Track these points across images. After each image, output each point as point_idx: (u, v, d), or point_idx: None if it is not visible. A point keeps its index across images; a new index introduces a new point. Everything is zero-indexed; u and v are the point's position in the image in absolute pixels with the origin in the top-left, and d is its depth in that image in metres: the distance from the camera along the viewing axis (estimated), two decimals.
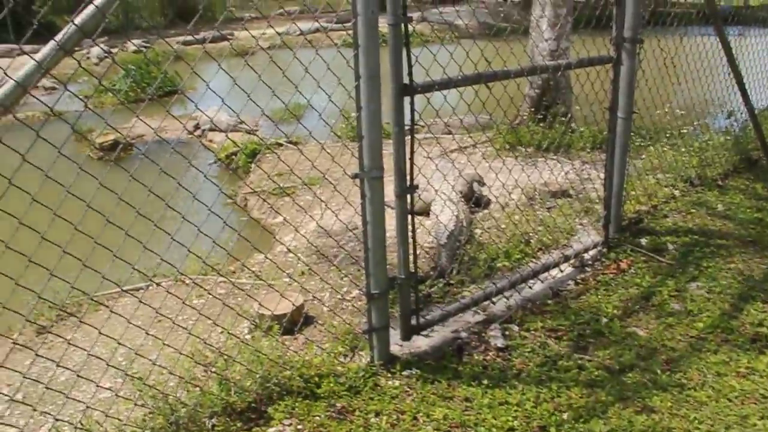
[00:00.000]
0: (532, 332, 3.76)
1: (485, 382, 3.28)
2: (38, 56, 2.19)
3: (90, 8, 2.26)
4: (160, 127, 8.39)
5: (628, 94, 4.59)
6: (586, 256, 4.58)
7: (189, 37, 16.24)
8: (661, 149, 6.70)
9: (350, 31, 2.96)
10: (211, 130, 10.31)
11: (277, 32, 3.23)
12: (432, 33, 3.89)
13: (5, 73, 2.16)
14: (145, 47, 16.23)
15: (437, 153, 6.74)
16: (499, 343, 3.64)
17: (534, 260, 4.62)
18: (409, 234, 3.36)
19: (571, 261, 4.46)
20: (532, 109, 8.43)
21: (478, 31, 3.92)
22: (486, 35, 3.90)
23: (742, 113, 6.89)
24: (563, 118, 7.85)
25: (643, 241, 4.87)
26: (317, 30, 17.80)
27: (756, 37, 7.82)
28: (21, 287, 2.41)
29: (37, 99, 2.28)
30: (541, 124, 7.95)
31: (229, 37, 17.33)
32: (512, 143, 7.58)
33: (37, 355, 2.77)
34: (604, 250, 4.71)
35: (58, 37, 2.20)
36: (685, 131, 7.31)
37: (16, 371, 2.95)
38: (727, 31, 5.95)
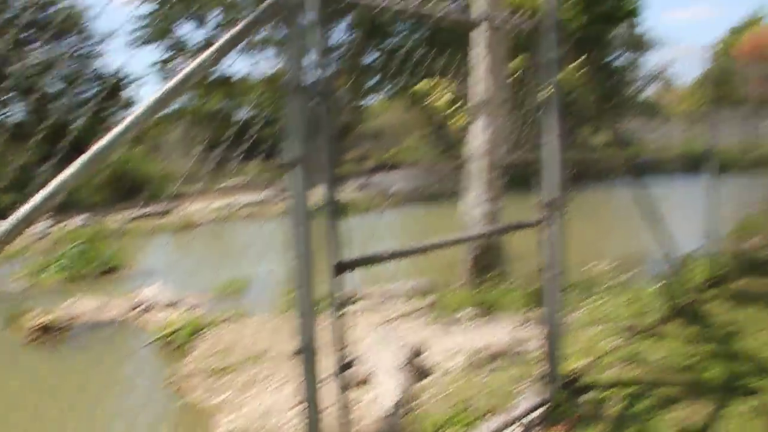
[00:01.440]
0: None
1: None
2: None
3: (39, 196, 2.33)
4: (100, 307, 8.27)
5: (556, 253, 4.76)
6: (531, 416, 4.56)
7: (133, 212, 16.40)
8: (597, 301, 6.89)
9: None
10: (152, 308, 10.18)
11: (219, 207, 3.34)
12: (369, 201, 4.08)
13: None
14: (88, 224, 16.28)
15: (378, 321, 6.78)
16: None
17: (476, 429, 4.57)
18: (349, 409, 3.34)
19: (515, 425, 4.44)
20: (471, 271, 8.62)
21: (414, 195, 4.15)
22: (421, 198, 4.11)
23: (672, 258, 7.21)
24: (501, 278, 8.05)
25: (586, 397, 4.89)
26: (261, 201, 18.30)
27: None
28: None
29: None
30: (481, 286, 8.11)
31: (173, 210, 17.60)
32: (453, 307, 7.68)
33: None
34: (549, 409, 4.70)
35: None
36: (621, 280, 7.57)
37: None
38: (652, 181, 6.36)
